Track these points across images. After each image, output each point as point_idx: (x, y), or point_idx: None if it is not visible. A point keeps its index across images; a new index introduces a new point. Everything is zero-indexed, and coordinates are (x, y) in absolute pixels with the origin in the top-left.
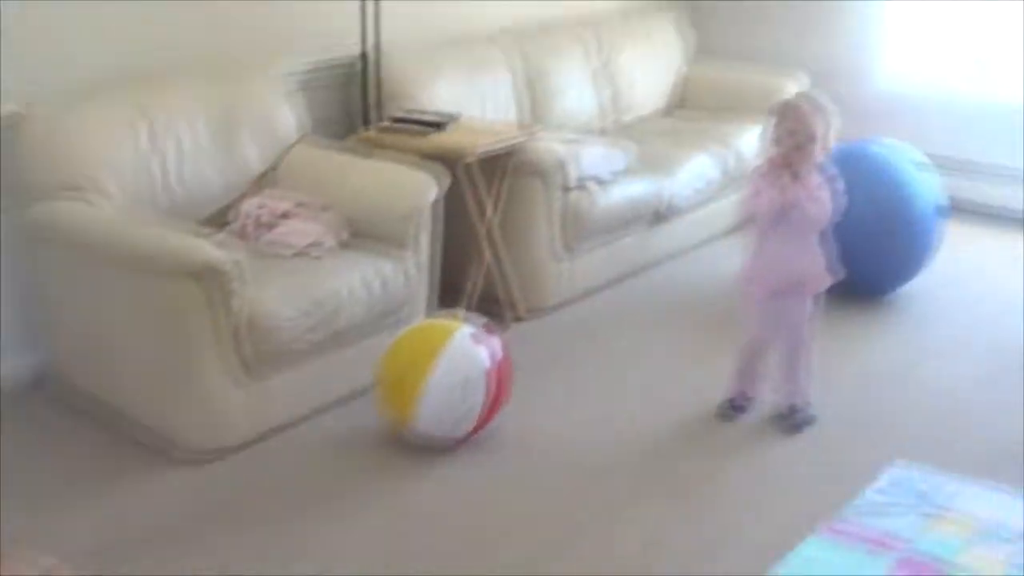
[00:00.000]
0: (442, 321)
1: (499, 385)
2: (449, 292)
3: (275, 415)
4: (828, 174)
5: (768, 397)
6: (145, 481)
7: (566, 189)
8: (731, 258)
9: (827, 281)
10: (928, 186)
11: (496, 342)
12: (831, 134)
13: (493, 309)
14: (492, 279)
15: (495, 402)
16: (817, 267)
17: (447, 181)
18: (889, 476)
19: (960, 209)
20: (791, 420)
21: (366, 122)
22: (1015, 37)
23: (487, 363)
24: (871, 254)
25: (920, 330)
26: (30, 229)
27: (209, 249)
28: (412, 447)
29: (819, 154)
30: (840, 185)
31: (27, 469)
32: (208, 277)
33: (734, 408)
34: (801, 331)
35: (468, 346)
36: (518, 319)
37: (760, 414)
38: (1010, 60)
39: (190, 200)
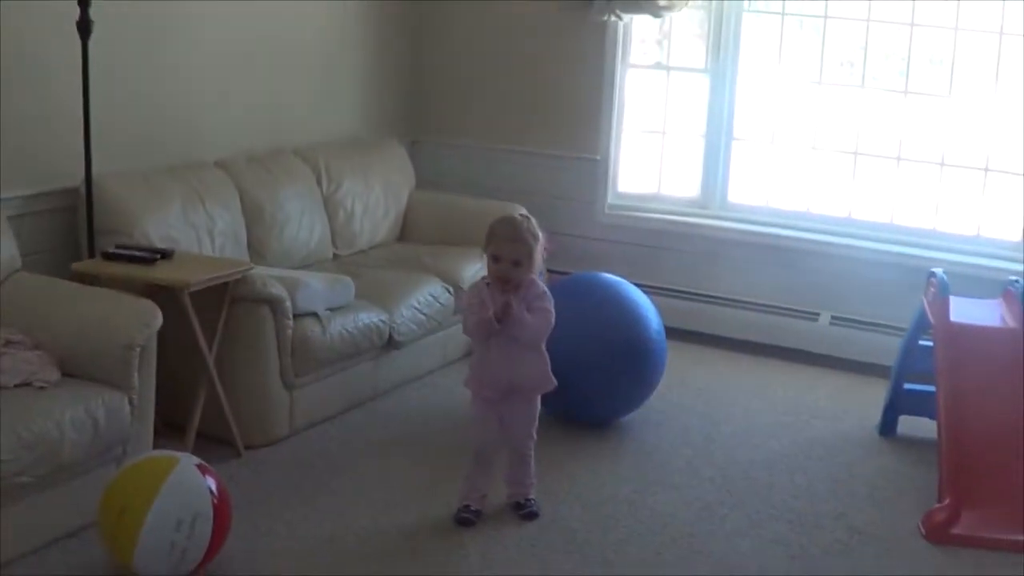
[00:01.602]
0: (160, 456)
1: (222, 518)
2: (172, 428)
3: (4, 552)
4: (540, 291)
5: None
6: None
7: (288, 319)
8: (455, 386)
9: (547, 386)
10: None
11: (211, 480)
12: (540, 252)
13: (218, 443)
14: (214, 411)
15: (218, 537)
16: (536, 373)
17: (159, 315)
18: None
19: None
20: (523, 510)
21: (91, 254)
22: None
23: (215, 493)
24: (598, 379)
25: (646, 456)
26: None
27: None
28: None
29: (533, 270)
30: (550, 304)
31: None
32: None
33: (470, 512)
34: (524, 433)
35: (193, 476)
36: (238, 454)
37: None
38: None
39: None
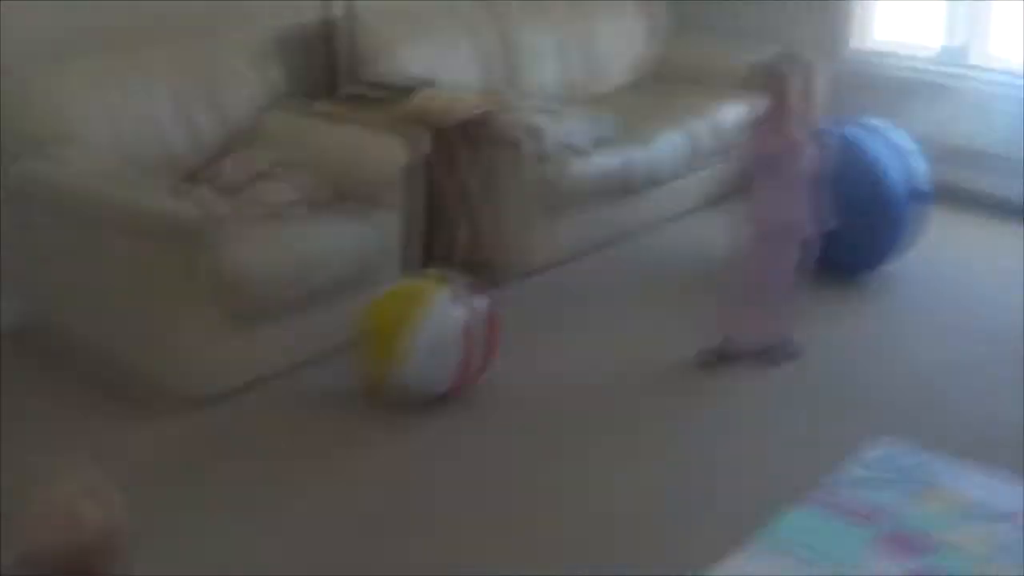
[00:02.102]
0: (423, 280)
1: (483, 343)
2: (432, 254)
3: (257, 367)
4: (815, 130)
5: (752, 344)
6: (127, 429)
7: (542, 157)
8: (709, 230)
9: (816, 228)
10: (903, 169)
11: (481, 301)
12: (813, 90)
13: (473, 273)
14: (473, 242)
15: (479, 359)
16: (806, 215)
17: (424, 145)
18: (873, 452)
19: (950, 196)
20: (775, 354)
21: (339, 86)
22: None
23: (467, 321)
24: (843, 234)
25: (904, 312)
26: (14, 184)
27: (187, 207)
28: (391, 404)
29: (802, 110)
30: (828, 139)
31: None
32: (188, 234)
33: (717, 357)
34: (789, 274)
35: (446, 305)
36: (495, 284)
37: (740, 369)
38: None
39: (169, 159)
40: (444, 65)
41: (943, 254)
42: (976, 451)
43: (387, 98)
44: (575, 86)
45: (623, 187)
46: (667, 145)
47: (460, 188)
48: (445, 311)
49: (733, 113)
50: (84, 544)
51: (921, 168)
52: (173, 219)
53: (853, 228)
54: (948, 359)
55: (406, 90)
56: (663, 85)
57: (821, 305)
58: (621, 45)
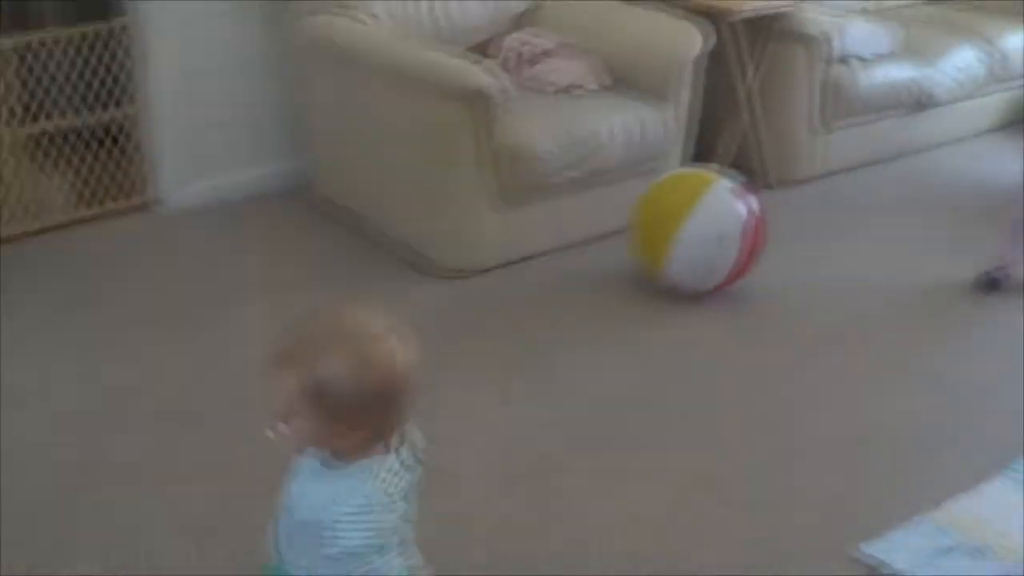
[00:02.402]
0: (701, 171)
1: (752, 242)
2: (702, 151)
3: (526, 244)
4: None
5: None
6: (391, 289)
7: (828, 62)
8: (990, 157)
9: None
10: None
11: (753, 200)
12: None
13: (744, 173)
14: (746, 143)
15: (746, 259)
16: None
17: (712, 37)
18: None
19: None
20: None
21: None
22: None
23: (744, 218)
24: None
25: None
26: (302, 40)
27: (480, 73)
28: (659, 293)
29: None
30: None
31: (275, 267)
32: (477, 101)
33: (988, 284)
34: None
35: (727, 199)
36: (768, 186)
37: (1009, 300)
38: None
39: (452, 31)
40: None
41: None
42: None
43: None
44: None
45: (908, 102)
46: (958, 63)
47: (741, 85)
48: (726, 205)
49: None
50: (391, 379)
51: None
52: (465, 81)
53: None
54: None
55: None
56: (954, 3)
57: None
58: None
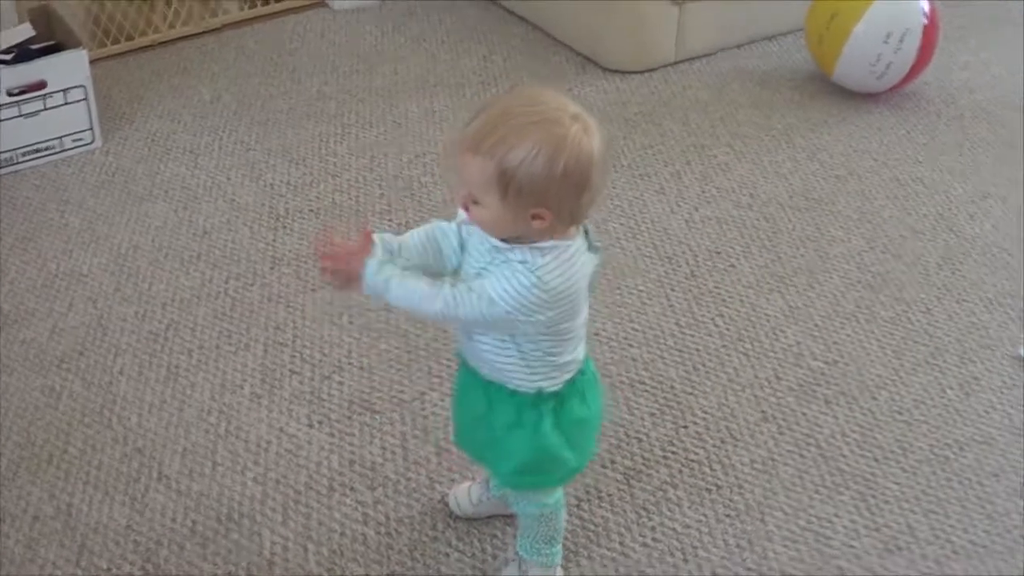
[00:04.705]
0: None
1: (928, 42)
2: None
3: (703, 41)
4: None
5: None
6: (565, 85)
7: None
8: None
9: None
10: None
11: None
12: None
13: None
14: None
15: (921, 59)
16: None
17: None
18: None
19: None
20: None
21: None
22: None
23: (923, 17)
24: None
25: None
26: None
27: None
28: (835, 92)
29: None
30: None
31: (451, 60)
32: None
33: None
34: None
35: None
36: None
37: None
38: None
39: None
40: None
41: None
42: None
43: None
44: None
45: None
46: None
47: None
48: (900, 3)
49: None
50: (589, 156)
51: None
52: None
53: None
54: None
55: None
56: None
57: None
58: None
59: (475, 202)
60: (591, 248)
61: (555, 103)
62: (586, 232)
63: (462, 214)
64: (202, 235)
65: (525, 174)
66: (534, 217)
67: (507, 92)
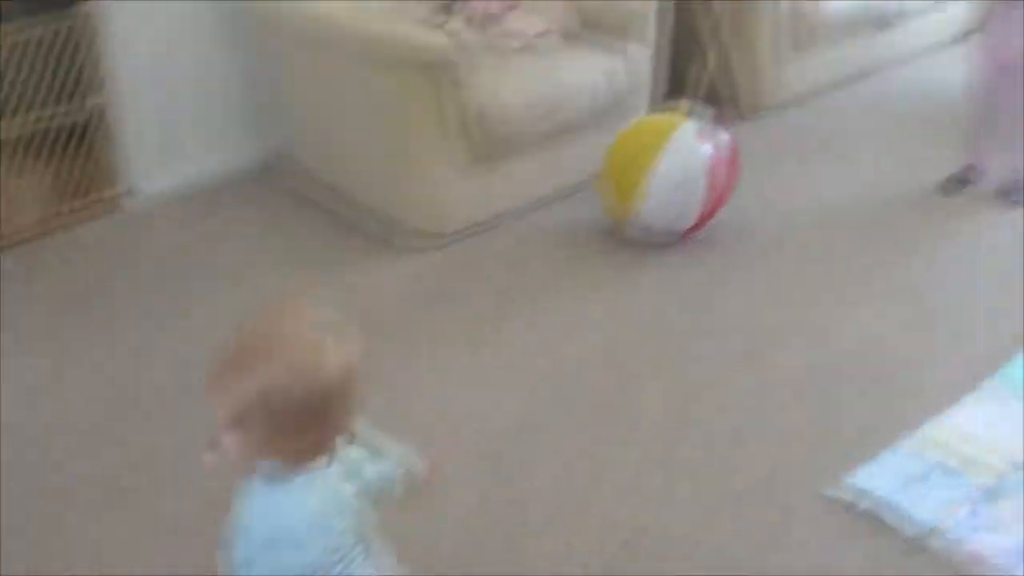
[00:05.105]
0: (667, 116)
1: (724, 180)
2: (675, 86)
3: (497, 204)
4: None
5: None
6: (366, 262)
7: None
8: (956, 67)
9: None
10: None
11: (723, 136)
12: None
13: (718, 106)
14: (718, 76)
15: (717, 198)
16: None
17: None
18: None
19: None
20: (1014, 195)
21: None
22: None
23: (710, 158)
24: None
25: None
26: (258, 17)
27: (437, 41)
28: (633, 242)
29: None
30: None
31: (251, 251)
32: (437, 68)
33: (958, 181)
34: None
35: (692, 141)
36: (741, 117)
37: (980, 206)
38: None
39: None
40: None
41: None
42: None
43: None
44: None
45: (873, 21)
46: None
47: (710, 20)
48: (690, 147)
49: None
50: (327, 384)
51: None
52: (421, 49)
53: None
54: None
55: None
56: None
57: None
58: None
59: (232, 431)
60: (357, 460)
61: (305, 320)
62: (350, 442)
63: None
64: None
65: (277, 399)
66: (286, 441)
67: (261, 311)
